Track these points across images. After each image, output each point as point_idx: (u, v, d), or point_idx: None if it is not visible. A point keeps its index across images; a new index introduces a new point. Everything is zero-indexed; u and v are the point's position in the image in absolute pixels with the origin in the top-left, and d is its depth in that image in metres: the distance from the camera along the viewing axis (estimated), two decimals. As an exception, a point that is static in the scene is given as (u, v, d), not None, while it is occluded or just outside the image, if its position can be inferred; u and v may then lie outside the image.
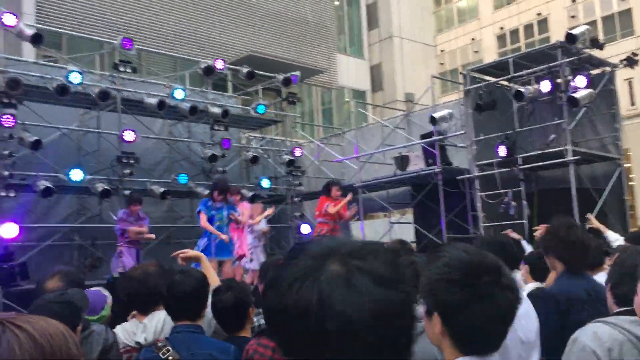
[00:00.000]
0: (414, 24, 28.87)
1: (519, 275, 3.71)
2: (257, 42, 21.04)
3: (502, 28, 27.33)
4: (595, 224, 5.87)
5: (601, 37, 23.54)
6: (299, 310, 0.88)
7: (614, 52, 17.69)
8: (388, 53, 27.93)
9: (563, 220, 3.07)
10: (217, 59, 11.95)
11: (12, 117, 8.88)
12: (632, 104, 22.38)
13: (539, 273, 3.61)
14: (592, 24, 23.81)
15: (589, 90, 8.87)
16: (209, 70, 11.45)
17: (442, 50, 29.81)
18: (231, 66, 13.68)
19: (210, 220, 8.55)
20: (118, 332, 3.56)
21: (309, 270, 0.91)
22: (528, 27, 26.22)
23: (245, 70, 12.08)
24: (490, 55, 25.69)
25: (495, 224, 9.89)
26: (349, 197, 9.46)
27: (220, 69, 11.51)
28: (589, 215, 6.09)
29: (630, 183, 18.32)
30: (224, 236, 8.40)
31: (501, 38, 27.45)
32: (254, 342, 2.39)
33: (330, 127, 21.31)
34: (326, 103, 25.91)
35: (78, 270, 4.07)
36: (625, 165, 19.70)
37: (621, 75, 16.06)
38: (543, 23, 25.49)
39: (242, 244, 9.48)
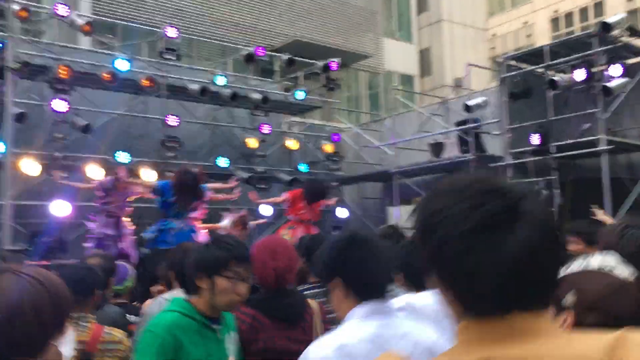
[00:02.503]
0: (465, 8, 28.42)
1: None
2: (303, 27, 21.29)
3: (556, 11, 26.61)
4: (600, 217, 5.84)
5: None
6: None
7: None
8: (437, 37, 27.66)
9: None
10: (259, 46, 12.30)
11: (66, 102, 9.53)
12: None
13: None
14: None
15: (624, 79, 8.76)
16: (250, 57, 11.84)
17: (493, 35, 29.27)
18: (273, 53, 14.04)
19: (166, 204, 7.35)
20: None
21: None
22: (583, 11, 25.46)
23: (285, 57, 12.40)
24: (544, 39, 25.05)
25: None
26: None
27: (260, 56, 11.87)
28: (594, 208, 6.08)
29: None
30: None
31: (555, 22, 26.75)
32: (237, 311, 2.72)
33: (371, 112, 21.45)
34: (373, 88, 25.96)
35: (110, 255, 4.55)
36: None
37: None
38: (599, 6, 24.68)
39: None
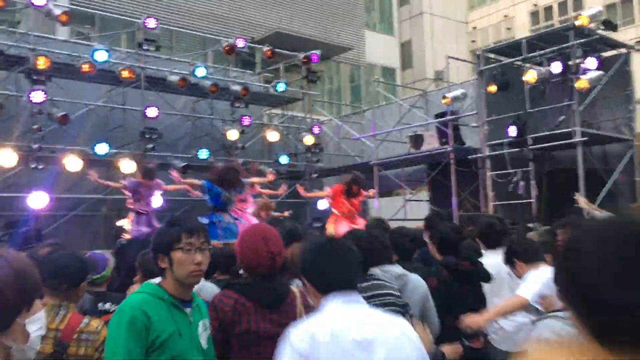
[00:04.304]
0: (446, 0, 28.55)
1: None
2: (284, 19, 21.21)
3: (535, 5, 26.82)
4: (582, 204, 5.98)
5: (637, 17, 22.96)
6: None
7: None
8: (418, 30, 27.75)
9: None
10: (239, 37, 12.25)
11: (43, 93, 9.41)
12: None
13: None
14: (629, 1, 23.22)
15: (599, 72, 8.89)
16: (231, 49, 11.79)
17: (474, 28, 29.43)
18: (254, 45, 13.98)
19: (216, 197, 7.60)
20: None
21: None
22: (562, 4, 25.70)
23: (265, 48, 12.37)
24: (524, 32, 25.23)
25: (504, 202, 10.07)
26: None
27: (241, 48, 11.83)
28: (577, 195, 6.22)
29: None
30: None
31: (534, 15, 26.97)
32: (219, 293, 2.75)
33: (352, 105, 21.50)
34: (355, 80, 25.98)
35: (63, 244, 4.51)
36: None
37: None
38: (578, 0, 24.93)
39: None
